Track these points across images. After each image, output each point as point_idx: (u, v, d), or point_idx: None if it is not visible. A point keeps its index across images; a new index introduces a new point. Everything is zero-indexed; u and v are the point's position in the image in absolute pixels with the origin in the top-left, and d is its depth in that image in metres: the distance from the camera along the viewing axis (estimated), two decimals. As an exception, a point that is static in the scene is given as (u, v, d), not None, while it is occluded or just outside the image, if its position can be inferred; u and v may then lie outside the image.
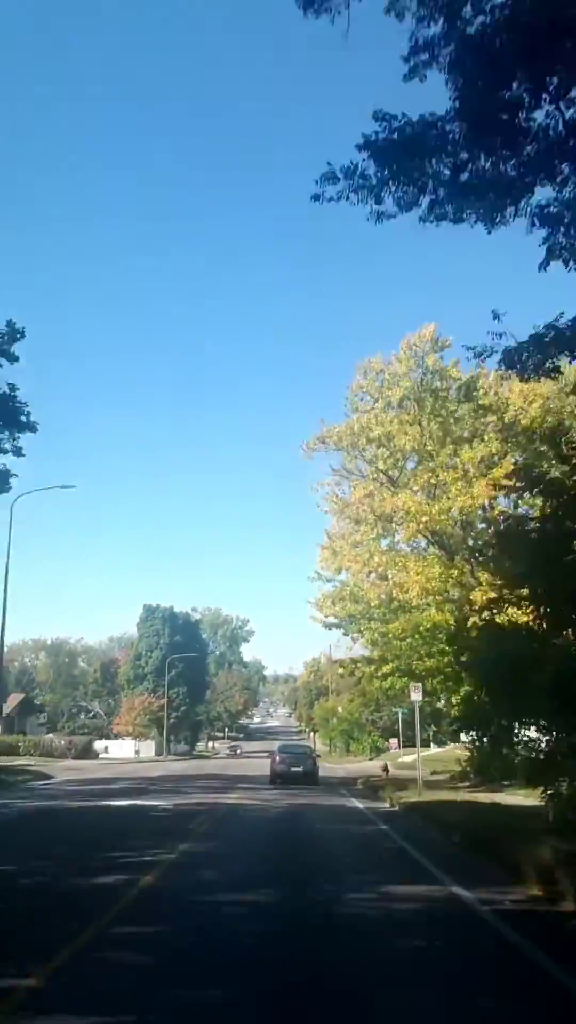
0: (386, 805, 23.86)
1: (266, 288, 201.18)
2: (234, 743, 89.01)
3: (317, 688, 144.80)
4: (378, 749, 75.60)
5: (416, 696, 25.55)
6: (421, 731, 58.65)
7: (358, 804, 24.10)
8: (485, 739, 25.87)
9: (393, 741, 61.66)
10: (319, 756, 42.31)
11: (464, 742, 31.11)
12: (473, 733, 28.41)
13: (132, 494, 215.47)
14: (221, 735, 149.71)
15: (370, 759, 70.60)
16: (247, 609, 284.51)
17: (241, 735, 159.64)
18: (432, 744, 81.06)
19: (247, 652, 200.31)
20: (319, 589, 34.32)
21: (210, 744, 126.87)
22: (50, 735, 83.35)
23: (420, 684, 25.81)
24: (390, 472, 32.49)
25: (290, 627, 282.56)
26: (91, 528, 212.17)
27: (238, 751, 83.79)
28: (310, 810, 21.74)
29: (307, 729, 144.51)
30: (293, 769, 33.11)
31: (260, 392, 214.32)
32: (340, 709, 70.99)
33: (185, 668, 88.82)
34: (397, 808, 22.29)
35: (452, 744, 74.32)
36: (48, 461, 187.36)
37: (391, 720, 76.52)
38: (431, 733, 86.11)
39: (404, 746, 63.13)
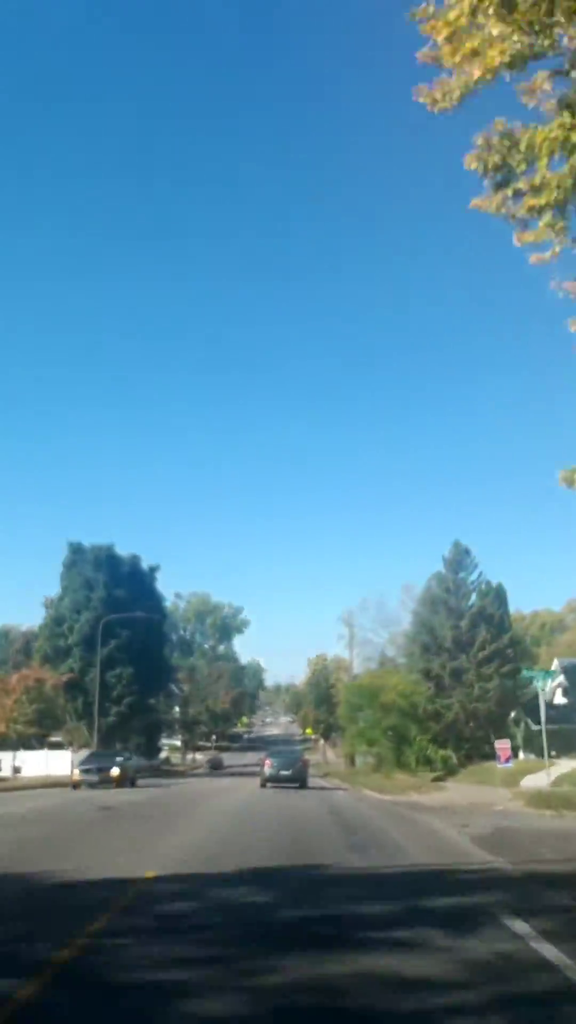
0: None
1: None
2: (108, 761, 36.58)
3: (327, 684, 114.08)
4: (428, 760, 44.09)
5: None
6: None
7: None
8: None
9: (503, 746, 30.46)
10: (308, 761, 38.80)
11: None
12: None
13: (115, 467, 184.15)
14: (208, 744, 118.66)
15: (439, 777, 39.25)
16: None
17: (236, 744, 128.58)
18: (546, 754, 48.52)
19: (244, 654, 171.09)
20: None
21: (191, 756, 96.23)
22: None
23: None
24: None
25: (292, 629, 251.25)
26: (53, 505, 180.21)
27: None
28: None
29: (316, 735, 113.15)
30: (283, 773, 33.19)
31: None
32: (389, 688, 39.20)
33: (132, 638, 57.81)
34: None
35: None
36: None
37: (466, 711, 44.67)
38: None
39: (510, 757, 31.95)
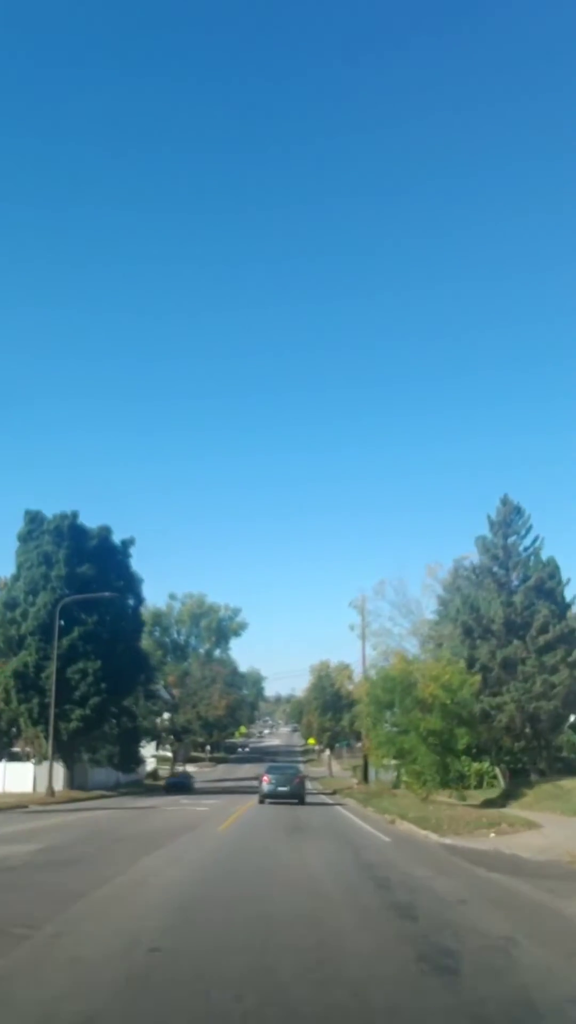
0: None
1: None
2: None
3: (332, 689, 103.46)
4: (460, 776, 33.39)
5: None
6: None
7: None
8: None
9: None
10: (305, 777, 38.93)
11: None
12: None
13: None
14: (203, 755, 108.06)
15: (491, 800, 28.67)
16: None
17: (232, 755, 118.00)
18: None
19: (243, 663, 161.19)
20: None
21: (181, 768, 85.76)
22: None
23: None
24: None
25: (293, 639, 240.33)
26: (46, 497, 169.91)
27: None
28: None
29: (320, 746, 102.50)
30: (280, 789, 33.10)
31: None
32: (425, 677, 27.76)
33: (99, 625, 47.50)
34: None
35: None
36: None
37: (524, 712, 33.52)
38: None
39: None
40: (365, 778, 54.72)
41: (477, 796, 32.54)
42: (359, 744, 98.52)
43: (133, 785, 58.24)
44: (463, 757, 34.64)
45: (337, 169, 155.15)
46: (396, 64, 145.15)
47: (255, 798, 34.74)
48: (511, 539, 37.16)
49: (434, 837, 17.88)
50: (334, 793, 48.72)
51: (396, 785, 47.76)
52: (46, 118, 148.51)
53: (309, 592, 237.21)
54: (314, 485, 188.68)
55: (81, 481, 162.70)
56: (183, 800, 38.06)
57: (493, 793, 34.14)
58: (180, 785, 52.31)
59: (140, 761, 61.36)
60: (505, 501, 37.65)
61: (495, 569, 36.92)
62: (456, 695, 27.84)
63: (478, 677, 30.25)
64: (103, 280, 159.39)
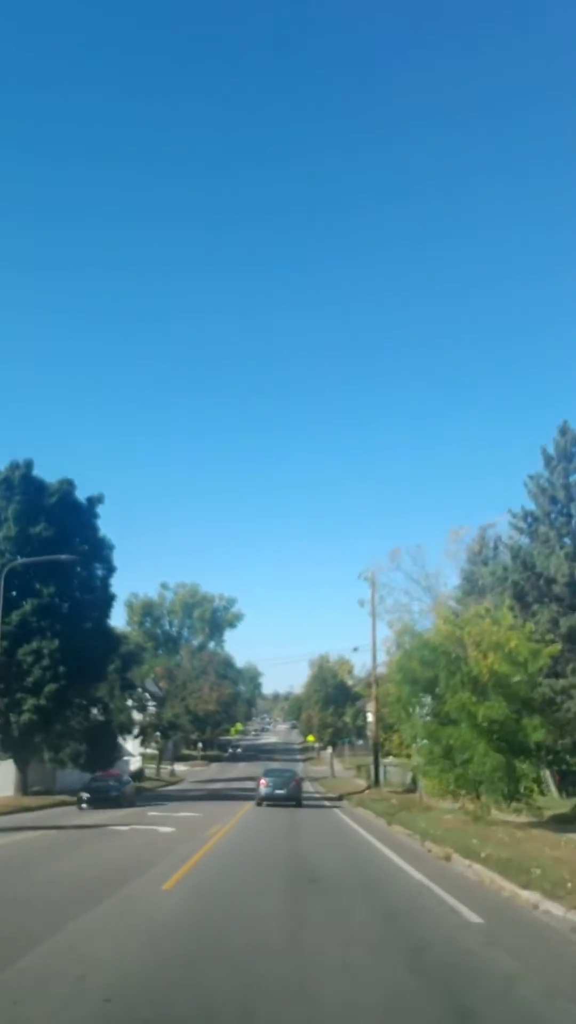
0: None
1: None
2: None
3: (335, 680, 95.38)
4: (533, 782, 24.72)
5: None
6: None
7: None
8: None
9: None
10: (302, 780, 41.69)
11: None
12: None
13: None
14: (196, 754, 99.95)
15: (561, 816, 20.42)
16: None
17: (226, 754, 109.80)
18: None
19: (240, 659, 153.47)
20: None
21: (169, 768, 78.12)
22: None
23: None
24: None
25: (292, 640, 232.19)
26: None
27: None
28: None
29: (320, 743, 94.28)
30: (278, 792, 34.26)
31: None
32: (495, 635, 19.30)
33: (58, 597, 39.36)
34: None
35: None
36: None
37: None
38: None
39: None
40: (376, 781, 46.75)
41: (519, 812, 24.14)
42: (360, 742, 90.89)
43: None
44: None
45: (337, 169, 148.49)
46: (396, 64, 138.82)
47: (246, 806, 33.11)
48: (574, 477, 28.93)
49: (556, 910, 9.63)
50: (341, 799, 40.65)
51: (411, 789, 39.82)
52: (46, 118, 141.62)
53: (308, 589, 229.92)
54: (314, 483, 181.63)
55: (71, 476, 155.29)
56: (152, 812, 29.78)
57: (550, 807, 25.96)
58: (99, 796, 33.74)
59: (114, 760, 53.04)
60: (564, 430, 29.45)
61: (554, 515, 28.67)
62: (525, 671, 19.59)
63: (557, 647, 21.92)
64: (103, 280, 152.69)
